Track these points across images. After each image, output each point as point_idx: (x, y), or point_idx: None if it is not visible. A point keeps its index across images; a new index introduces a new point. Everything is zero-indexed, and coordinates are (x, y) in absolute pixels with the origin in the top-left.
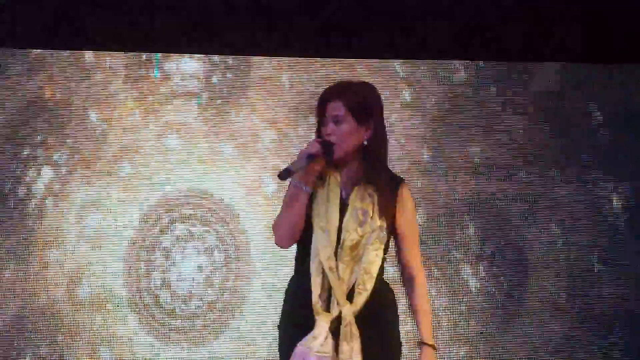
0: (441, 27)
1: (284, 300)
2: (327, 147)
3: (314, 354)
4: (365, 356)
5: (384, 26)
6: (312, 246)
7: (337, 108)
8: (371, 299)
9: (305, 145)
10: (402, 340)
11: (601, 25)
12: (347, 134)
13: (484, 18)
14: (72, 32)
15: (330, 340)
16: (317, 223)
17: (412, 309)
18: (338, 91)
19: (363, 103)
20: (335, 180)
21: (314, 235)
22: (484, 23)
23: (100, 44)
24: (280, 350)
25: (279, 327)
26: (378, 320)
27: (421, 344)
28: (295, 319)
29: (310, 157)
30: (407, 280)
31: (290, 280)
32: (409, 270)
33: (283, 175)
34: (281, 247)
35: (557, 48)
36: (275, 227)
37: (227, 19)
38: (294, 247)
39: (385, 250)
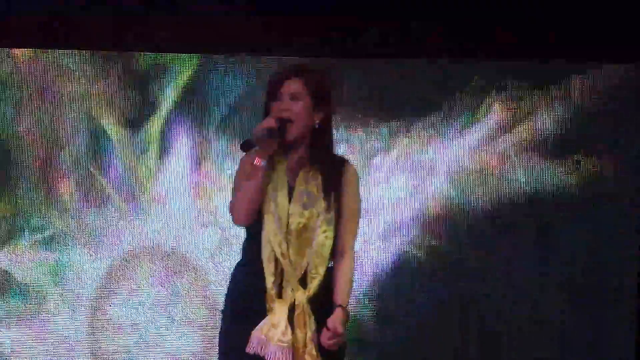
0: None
1: (230, 287)
2: (282, 122)
3: (275, 344)
4: (318, 342)
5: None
6: (263, 232)
7: (295, 85)
8: (324, 284)
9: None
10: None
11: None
12: (302, 113)
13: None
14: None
15: (290, 330)
16: (267, 209)
17: (335, 277)
18: (297, 70)
19: (322, 85)
20: (282, 165)
21: (264, 221)
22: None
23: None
24: (225, 336)
25: (223, 312)
26: (330, 306)
27: (338, 305)
28: (246, 306)
29: (268, 132)
30: (338, 253)
31: (236, 267)
32: (342, 245)
33: (245, 146)
34: (241, 226)
35: None
36: (234, 206)
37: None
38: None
39: (336, 233)
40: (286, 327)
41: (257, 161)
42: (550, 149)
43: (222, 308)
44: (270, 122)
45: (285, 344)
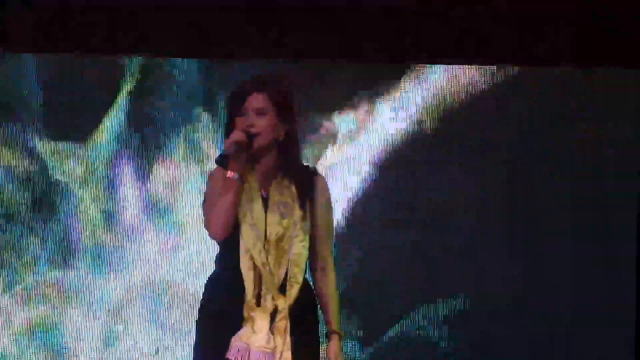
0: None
1: (205, 298)
2: (250, 137)
3: (259, 350)
4: (293, 349)
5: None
6: (241, 243)
7: (260, 100)
8: (301, 292)
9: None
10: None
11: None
12: (269, 127)
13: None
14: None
15: (271, 336)
16: (243, 219)
17: (321, 298)
18: (260, 84)
19: (286, 98)
20: (252, 177)
21: (241, 232)
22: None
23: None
24: (201, 346)
25: (197, 323)
26: (306, 314)
27: (330, 332)
28: (224, 316)
29: (238, 145)
30: (318, 269)
31: (210, 278)
32: (321, 259)
33: (219, 160)
34: (216, 239)
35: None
36: (211, 222)
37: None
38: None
39: (311, 243)
40: (268, 334)
41: (230, 174)
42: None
43: (196, 319)
44: (239, 135)
45: (268, 350)
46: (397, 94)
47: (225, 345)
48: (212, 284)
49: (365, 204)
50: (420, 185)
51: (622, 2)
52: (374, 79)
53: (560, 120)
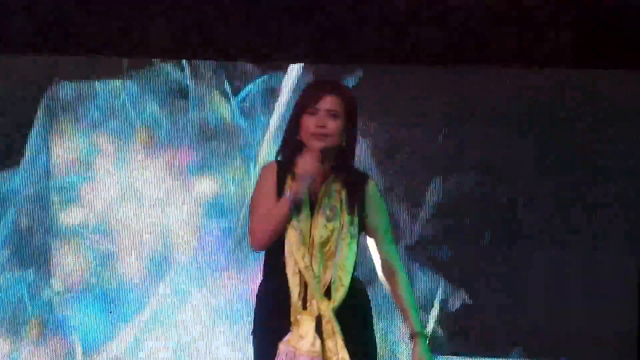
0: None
1: (258, 306)
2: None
3: (305, 354)
4: (348, 350)
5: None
6: (286, 247)
7: (335, 103)
8: (348, 295)
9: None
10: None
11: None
12: (339, 132)
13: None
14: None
15: (318, 339)
16: (291, 224)
17: (398, 302)
18: (334, 86)
19: (354, 106)
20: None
21: (286, 236)
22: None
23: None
24: (260, 356)
25: (253, 333)
26: (356, 315)
27: (413, 334)
28: (273, 321)
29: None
30: (389, 274)
31: (261, 285)
32: (389, 264)
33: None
34: (258, 250)
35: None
36: (255, 232)
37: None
38: None
39: (359, 245)
40: (314, 338)
41: (298, 194)
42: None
43: (252, 329)
44: (300, 186)
45: (316, 353)
46: (400, 97)
47: (274, 349)
48: (261, 291)
49: None
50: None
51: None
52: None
53: (560, 122)
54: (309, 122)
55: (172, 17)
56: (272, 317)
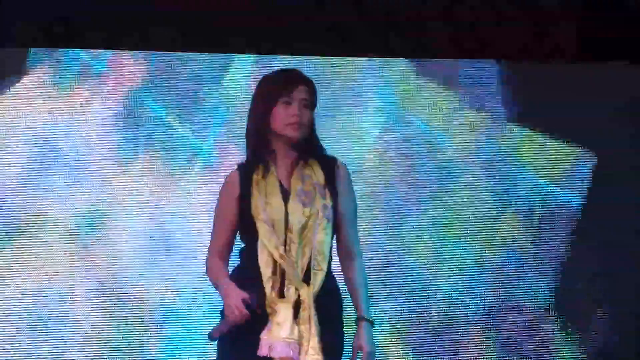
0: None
1: None
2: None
3: (281, 341)
4: (320, 337)
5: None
6: (259, 240)
7: (307, 93)
8: (326, 278)
9: None
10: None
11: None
12: (310, 121)
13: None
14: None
15: (296, 326)
16: (259, 218)
17: (350, 285)
18: (304, 77)
19: (316, 95)
20: (271, 172)
21: (258, 229)
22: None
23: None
24: (226, 341)
25: (222, 315)
26: (330, 301)
27: (359, 318)
28: (251, 311)
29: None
30: (346, 257)
31: (234, 270)
32: (348, 247)
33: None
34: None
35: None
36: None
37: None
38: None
39: (334, 229)
40: (292, 325)
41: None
42: None
43: (221, 311)
44: (242, 315)
45: (292, 340)
46: (399, 89)
47: (249, 340)
48: (236, 277)
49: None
50: (422, 182)
51: None
52: (374, 74)
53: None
54: (285, 113)
55: (175, 10)
56: (246, 307)
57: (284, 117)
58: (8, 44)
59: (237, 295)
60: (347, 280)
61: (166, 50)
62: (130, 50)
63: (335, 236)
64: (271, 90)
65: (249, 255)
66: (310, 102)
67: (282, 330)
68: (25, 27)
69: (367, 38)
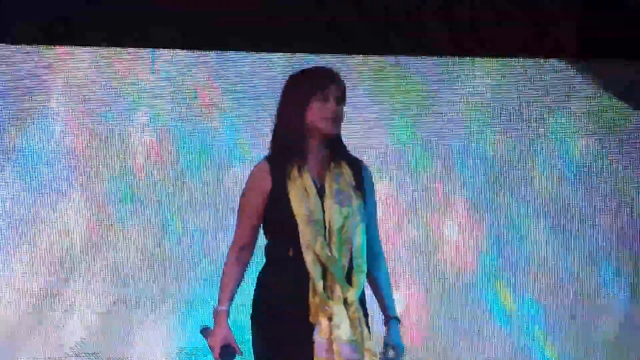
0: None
1: (263, 291)
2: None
3: (345, 342)
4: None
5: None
6: (301, 240)
7: (341, 90)
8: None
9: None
10: None
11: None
12: (344, 117)
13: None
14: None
15: (353, 327)
16: (300, 217)
17: (375, 285)
18: (336, 74)
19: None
20: (304, 171)
21: (299, 228)
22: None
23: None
24: (263, 344)
25: (252, 318)
26: (363, 304)
27: (389, 318)
28: (284, 311)
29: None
30: (370, 258)
31: (265, 271)
32: (373, 247)
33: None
34: None
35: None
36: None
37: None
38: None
39: (368, 230)
40: (350, 325)
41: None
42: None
43: (251, 314)
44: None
45: (355, 342)
46: (400, 88)
47: (288, 342)
48: (266, 276)
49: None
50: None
51: None
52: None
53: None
54: (322, 108)
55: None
56: (283, 307)
57: (322, 112)
58: (8, 43)
59: (222, 340)
60: (371, 280)
61: (166, 48)
62: (130, 48)
63: None
64: (308, 86)
65: (280, 250)
66: (343, 101)
67: (342, 331)
68: (25, 26)
69: (366, 37)
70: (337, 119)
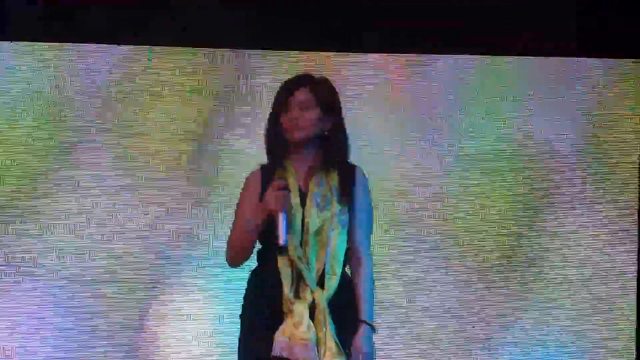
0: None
1: (248, 291)
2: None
3: (299, 342)
4: (337, 340)
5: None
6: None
7: (304, 95)
8: (341, 286)
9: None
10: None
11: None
12: (312, 121)
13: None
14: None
15: (313, 327)
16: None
17: (355, 289)
18: (304, 80)
19: (329, 93)
20: (291, 172)
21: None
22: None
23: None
24: (245, 340)
25: (241, 317)
26: (347, 306)
27: (360, 322)
28: (265, 311)
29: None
30: (354, 259)
31: (252, 273)
32: (356, 250)
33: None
34: (231, 265)
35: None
36: (231, 248)
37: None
38: None
39: (348, 235)
40: (308, 326)
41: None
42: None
43: (240, 312)
44: (278, 202)
45: (310, 341)
46: (398, 85)
47: (267, 340)
48: (254, 278)
49: None
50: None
51: None
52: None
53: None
54: (285, 117)
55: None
56: (262, 307)
57: (285, 122)
58: (7, 39)
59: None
60: (354, 283)
61: (165, 45)
62: (130, 45)
63: (348, 240)
64: (274, 100)
65: (266, 253)
66: (310, 104)
67: (298, 331)
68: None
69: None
70: (296, 126)
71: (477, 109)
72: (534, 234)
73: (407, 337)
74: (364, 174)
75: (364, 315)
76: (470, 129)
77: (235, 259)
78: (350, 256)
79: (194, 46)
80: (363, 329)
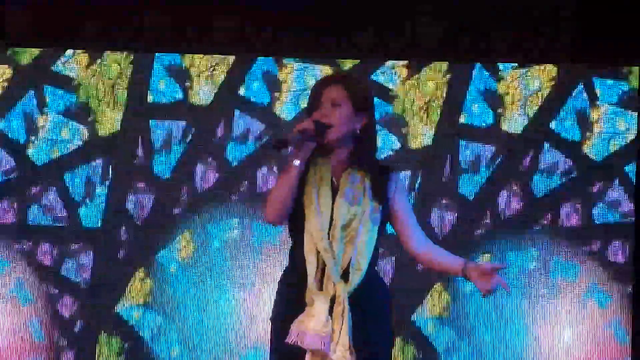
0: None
1: (278, 287)
2: (321, 127)
3: (313, 333)
4: (354, 337)
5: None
6: (305, 230)
7: (336, 91)
8: (366, 282)
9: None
10: None
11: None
12: (344, 118)
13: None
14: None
15: (330, 320)
16: (309, 207)
17: (439, 258)
18: (338, 77)
19: (362, 91)
20: (325, 165)
21: (306, 219)
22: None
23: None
24: (275, 332)
25: (272, 319)
26: (370, 304)
27: (463, 266)
28: (290, 302)
29: (303, 134)
30: (423, 246)
31: (283, 273)
32: (422, 245)
33: (276, 144)
34: (271, 223)
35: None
36: (268, 201)
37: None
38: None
39: (379, 233)
40: (327, 319)
41: (292, 160)
42: None
43: (270, 316)
44: (308, 124)
45: (324, 333)
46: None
47: (286, 328)
48: (285, 272)
49: None
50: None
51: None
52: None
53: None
54: (317, 115)
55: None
56: (289, 298)
57: (318, 117)
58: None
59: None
60: (434, 257)
61: (161, 50)
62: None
63: (401, 236)
64: (308, 100)
65: (297, 252)
66: (342, 100)
67: (313, 321)
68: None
69: (360, 40)
70: (328, 123)
71: None
72: None
73: None
74: (398, 175)
75: (459, 259)
76: None
77: (272, 210)
78: (417, 256)
79: None
80: (471, 264)
